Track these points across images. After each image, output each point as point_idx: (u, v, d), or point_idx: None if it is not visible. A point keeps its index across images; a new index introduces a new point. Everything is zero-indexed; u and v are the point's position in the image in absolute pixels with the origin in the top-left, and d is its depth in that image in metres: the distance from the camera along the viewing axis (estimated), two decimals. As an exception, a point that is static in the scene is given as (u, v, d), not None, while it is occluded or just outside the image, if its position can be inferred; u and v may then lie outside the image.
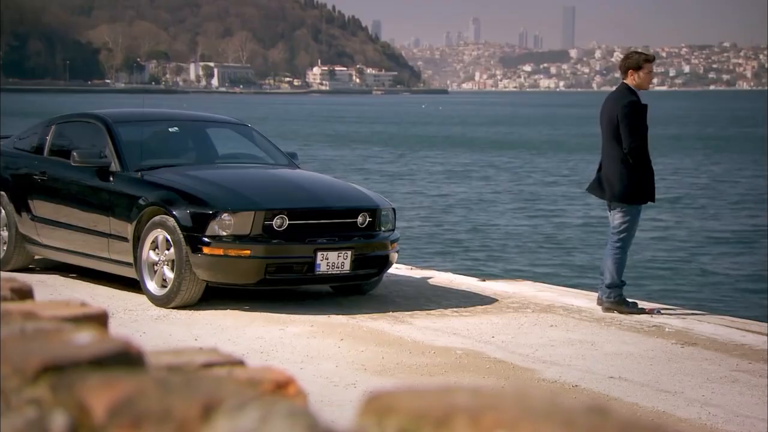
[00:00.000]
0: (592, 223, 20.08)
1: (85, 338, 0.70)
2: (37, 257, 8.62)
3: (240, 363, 0.95)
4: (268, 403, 0.58)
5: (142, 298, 7.40)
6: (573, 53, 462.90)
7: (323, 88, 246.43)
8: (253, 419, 0.55)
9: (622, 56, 7.99)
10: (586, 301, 7.98)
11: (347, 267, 7.35)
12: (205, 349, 0.99)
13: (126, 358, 0.67)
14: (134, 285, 7.56)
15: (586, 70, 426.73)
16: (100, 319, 1.07)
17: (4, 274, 1.59)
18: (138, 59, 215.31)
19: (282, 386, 0.82)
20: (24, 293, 1.17)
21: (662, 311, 7.68)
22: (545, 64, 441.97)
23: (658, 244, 16.87)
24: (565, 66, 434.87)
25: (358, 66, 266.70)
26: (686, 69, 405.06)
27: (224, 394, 0.59)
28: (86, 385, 0.60)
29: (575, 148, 40.02)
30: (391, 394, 0.56)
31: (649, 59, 7.56)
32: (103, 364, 0.64)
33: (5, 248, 8.53)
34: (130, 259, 7.48)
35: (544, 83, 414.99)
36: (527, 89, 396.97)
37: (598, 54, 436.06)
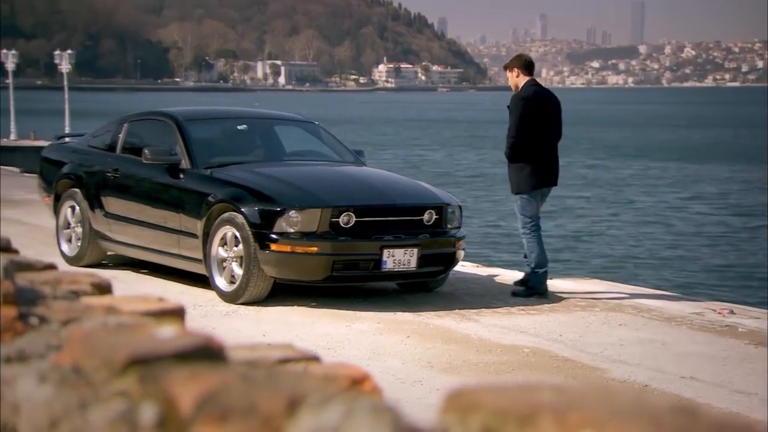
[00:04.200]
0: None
1: (168, 332, 0.71)
2: (109, 253, 8.78)
3: (315, 359, 0.96)
4: (352, 398, 0.58)
5: (212, 294, 7.49)
6: (642, 49, 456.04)
7: (389, 85, 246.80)
8: (337, 414, 0.55)
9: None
10: (656, 300, 7.86)
11: (413, 264, 7.34)
12: (280, 345, 0.99)
13: (208, 353, 0.68)
14: (204, 281, 7.66)
15: (656, 66, 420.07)
16: (177, 314, 1.09)
17: (84, 270, 1.62)
18: (207, 58, 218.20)
19: (358, 382, 0.82)
20: (103, 288, 1.20)
21: (735, 311, 7.53)
22: (613, 60, 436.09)
23: (727, 246, 16.57)
24: (633, 62, 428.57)
25: (423, 63, 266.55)
26: (759, 65, 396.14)
27: (308, 390, 0.59)
28: (172, 378, 0.61)
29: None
30: (474, 390, 0.56)
31: (504, 67, 8.17)
32: (187, 358, 0.65)
33: (79, 244, 8.71)
34: (200, 256, 7.58)
35: (612, 80, 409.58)
36: (595, 86, 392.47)
37: (667, 50, 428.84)
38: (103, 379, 0.64)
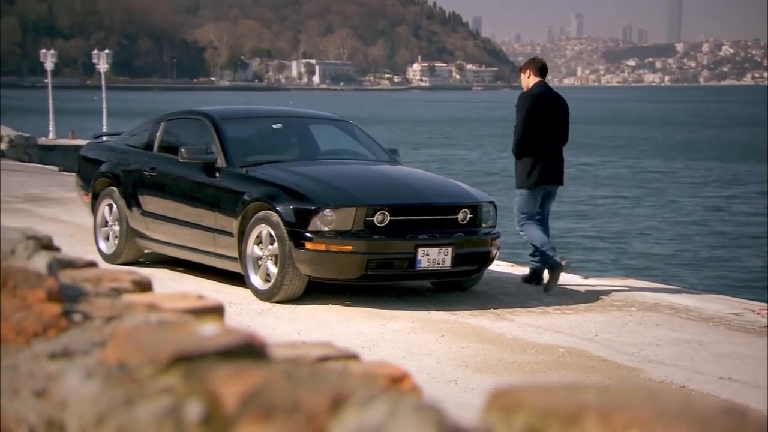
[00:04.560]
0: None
1: (210, 330, 0.72)
2: (146, 251, 8.85)
3: (354, 357, 0.96)
4: (395, 397, 0.58)
5: (247, 292, 7.52)
6: (679, 47, 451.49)
7: (423, 84, 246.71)
8: (381, 413, 0.55)
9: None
10: (693, 300, 7.79)
11: (448, 263, 7.33)
12: (319, 343, 1.00)
13: (250, 350, 0.68)
14: (239, 279, 7.70)
15: (693, 65, 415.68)
16: (217, 312, 1.09)
17: (124, 268, 1.64)
18: (242, 57, 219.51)
19: (397, 381, 0.82)
20: (144, 286, 1.21)
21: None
22: (650, 59, 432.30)
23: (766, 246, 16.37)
24: (670, 60, 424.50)
25: (458, 62, 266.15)
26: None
27: (351, 388, 0.59)
28: (217, 375, 0.61)
29: None
30: (518, 390, 0.56)
31: (519, 69, 8.52)
32: (230, 356, 0.66)
33: (116, 242, 8.79)
34: (235, 254, 7.61)
35: (649, 78, 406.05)
36: (631, 84, 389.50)
37: (705, 48, 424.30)
38: (147, 375, 0.64)
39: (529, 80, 8.15)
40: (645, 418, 0.48)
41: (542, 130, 7.95)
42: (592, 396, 0.52)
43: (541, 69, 8.20)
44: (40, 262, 0.96)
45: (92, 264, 1.31)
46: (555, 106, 8.12)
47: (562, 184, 8.21)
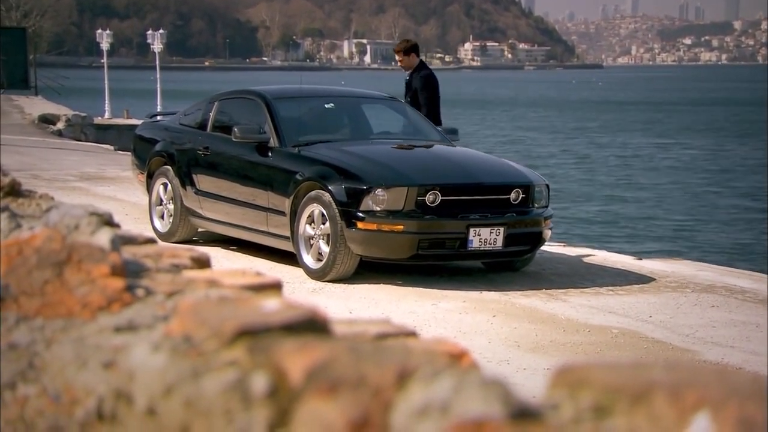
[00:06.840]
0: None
1: (273, 305, 0.72)
2: (200, 230, 8.94)
3: (413, 334, 0.96)
4: (461, 372, 0.58)
5: (299, 271, 7.57)
6: (737, 25, 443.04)
7: (474, 64, 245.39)
8: (447, 388, 0.55)
9: None
10: (750, 281, 7.67)
11: (500, 243, 7.30)
12: (377, 320, 1.00)
13: (313, 325, 0.68)
14: (291, 258, 7.75)
15: (751, 43, 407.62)
16: (275, 288, 1.10)
17: (183, 245, 1.65)
18: (294, 37, 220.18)
19: (456, 358, 0.82)
20: (203, 262, 1.22)
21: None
22: (707, 37, 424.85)
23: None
24: (728, 38, 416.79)
25: (510, 41, 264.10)
26: None
27: (416, 363, 0.59)
28: (282, 349, 0.62)
29: None
30: (583, 367, 0.55)
31: (398, 51, 9.38)
32: (293, 330, 0.66)
33: (171, 220, 8.89)
34: (288, 233, 7.66)
35: (705, 56, 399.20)
36: (687, 63, 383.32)
37: (764, 25, 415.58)
38: (212, 349, 0.65)
39: (413, 61, 9.20)
40: (716, 397, 0.47)
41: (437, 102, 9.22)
42: (660, 374, 0.51)
43: (418, 48, 9.41)
44: (103, 237, 0.97)
45: (151, 240, 1.33)
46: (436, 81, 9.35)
47: None
